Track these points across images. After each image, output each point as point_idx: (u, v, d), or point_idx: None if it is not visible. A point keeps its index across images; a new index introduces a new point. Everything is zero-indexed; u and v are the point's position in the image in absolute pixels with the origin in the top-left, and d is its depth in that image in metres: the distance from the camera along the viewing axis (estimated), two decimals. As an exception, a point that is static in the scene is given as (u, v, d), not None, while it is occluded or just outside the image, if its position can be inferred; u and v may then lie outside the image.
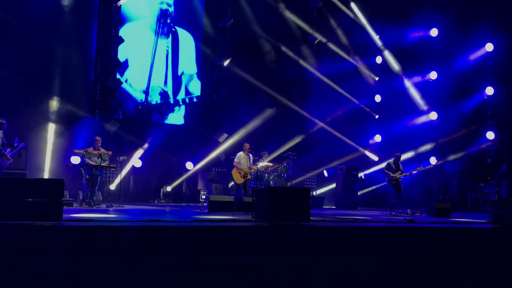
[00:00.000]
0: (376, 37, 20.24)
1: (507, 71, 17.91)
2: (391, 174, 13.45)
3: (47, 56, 14.88)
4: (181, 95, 18.27)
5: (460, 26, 17.94)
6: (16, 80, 14.15)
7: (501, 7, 17.26)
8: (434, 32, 19.25)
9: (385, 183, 14.26)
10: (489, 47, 18.21)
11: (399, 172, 13.51)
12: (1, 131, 10.58)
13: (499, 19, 17.63)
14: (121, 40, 16.05)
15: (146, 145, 16.15)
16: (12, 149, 11.11)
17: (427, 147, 18.96)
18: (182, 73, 18.37)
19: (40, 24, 14.60)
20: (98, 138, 12.50)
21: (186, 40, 18.53)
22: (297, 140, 18.57)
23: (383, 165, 14.51)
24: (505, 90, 17.81)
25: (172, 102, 17.95)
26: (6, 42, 14.23)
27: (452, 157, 18.97)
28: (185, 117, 18.32)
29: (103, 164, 12.08)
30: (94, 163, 12.02)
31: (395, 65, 20.08)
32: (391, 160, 13.84)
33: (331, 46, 19.96)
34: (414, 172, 13.95)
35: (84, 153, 11.98)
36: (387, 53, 20.23)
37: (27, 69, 14.39)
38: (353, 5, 19.99)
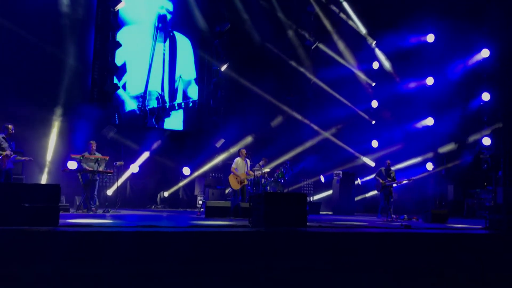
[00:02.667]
0: (373, 43, 20.32)
1: (503, 77, 17.97)
2: (380, 181, 13.73)
3: (44, 60, 14.85)
4: (179, 100, 18.26)
5: (457, 32, 18.01)
6: (12, 84, 14.14)
7: (497, 13, 17.35)
8: (430, 37, 19.33)
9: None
10: (485, 53, 18.29)
11: (389, 179, 13.77)
12: (2, 134, 10.59)
13: (495, 25, 17.71)
14: (118, 45, 16.06)
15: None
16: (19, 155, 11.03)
17: (425, 156, 19.02)
18: (180, 78, 18.37)
19: (37, 28, 14.57)
20: (92, 142, 12.46)
21: (185, 46, 18.55)
22: (294, 146, 18.61)
23: None
24: (501, 95, 17.87)
25: (167, 106, 17.95)
26: (2, 45, 14.20)
27: (448, 163, 19.02)
28: (183, 122, 18.32)
29: (100, 169, 12.06)
30: (91, 168, 12.00)
31: (391, 70, 20.15)
32: (383, 167, 14.18)
33: (328, 51, 20.03)
34: (405, 181, 14.24)
35: (81, 158, 11.95)
36: (383, 59, 20.31)
37: (23, 73, 14.38)
38: (350, 11, 20.08)
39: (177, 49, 18.30)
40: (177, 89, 18.25)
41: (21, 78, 14.29)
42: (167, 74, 18.02)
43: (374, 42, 20.29)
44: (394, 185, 14.07)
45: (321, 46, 19.88)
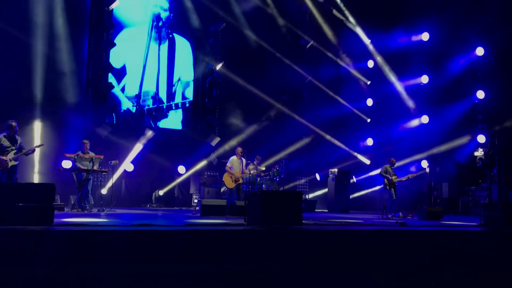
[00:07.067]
0: (367, 41, 20.34)
1: (497, 75, 18.03)
2: (390, 177, 13.58)
3: (38, 60, 14.78)
4: (178, 100, 18.25)
5: (451, 30, 18.06)
6: (6, 83, 14.06)
7: (491, 12, 17.40)
8: (425, 36, 19.37)
9: (378, 186, 14.36)
10: (480, 51, 18.33)
11: (395, 176, 13.68)
12: (3, 134, 10.45)
13: (489, 23, 17.77)
14: (112, 45, 16.02)
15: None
16: (19, 151, 10.81)
17: (420, 155, 19.05)
18: (179, 79, 18.37)
19: (31, 27, 14.53)
20: (86, 141, 12.38)
21: (183, 47, 18.55)
22: (289, 144, 18.62)
23: (378, 170, 14.54)
24: (496, 93, 17.93)
25: (165, 107, 17.92)
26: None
27: (443, 161, 19.06)
28: (181, 122, 18.31)
29: (94, 168, 12.01)
30: (85, 168, 11.95)
31: (386, 69, 20.18)
32: (388, 164, 13.97)
33: (323, 50, 20.05)
34: (409, 177, 14.14)
35: (76, 157, 11.90)
36: (378, 57, 20.34)
37: (18, 72, 14.32)
38: (345, 9, 20.11)
39: (176, 50, 18.28)
40: (175, 90, 18.25)
41: (15, 77, 14.21)
42: (165, 75, 18.00)
43: (369, 40, 20.31)
44: (398, 180, 13.97)
45: (316, 44, 19.89)
